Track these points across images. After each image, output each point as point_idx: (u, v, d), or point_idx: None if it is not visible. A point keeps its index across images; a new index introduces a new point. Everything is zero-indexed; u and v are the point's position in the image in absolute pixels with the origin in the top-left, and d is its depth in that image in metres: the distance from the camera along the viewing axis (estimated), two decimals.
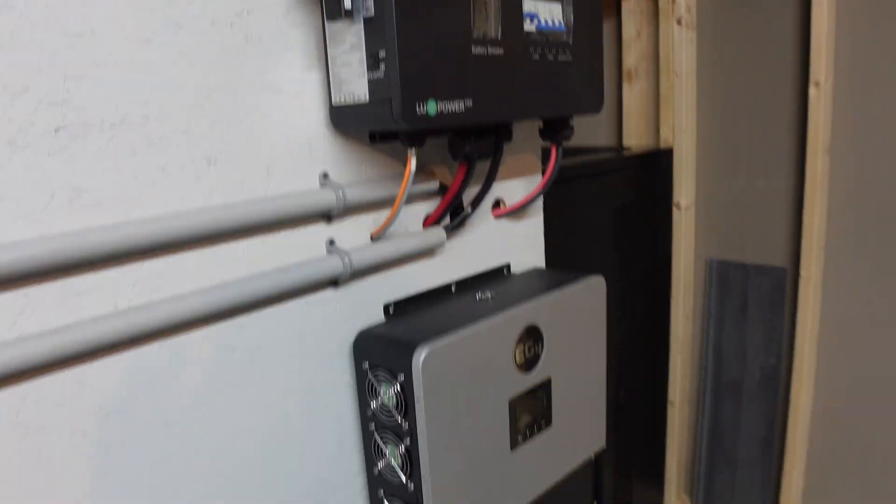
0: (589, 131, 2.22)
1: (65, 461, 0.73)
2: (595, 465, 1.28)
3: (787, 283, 1.92)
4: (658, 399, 2.12)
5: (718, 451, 2.18)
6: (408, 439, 0.92)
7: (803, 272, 1.84)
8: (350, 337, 0.96)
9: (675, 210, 1.99)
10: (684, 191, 1.98)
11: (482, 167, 1.04)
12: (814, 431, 2.01)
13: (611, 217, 1.65)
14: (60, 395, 0.71)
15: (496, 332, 0.98)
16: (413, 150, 0.86)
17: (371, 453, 0.99)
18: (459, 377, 0.93)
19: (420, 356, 0.87)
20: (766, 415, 2.06)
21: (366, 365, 0.94)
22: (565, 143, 1.11)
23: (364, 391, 0.96)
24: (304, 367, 0.92)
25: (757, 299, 1.97)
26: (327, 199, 0.86)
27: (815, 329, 1.90)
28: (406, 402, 0.90)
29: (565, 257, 1.38)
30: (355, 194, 0.89)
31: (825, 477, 2.02)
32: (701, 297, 2.10)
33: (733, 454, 2.15)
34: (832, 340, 1.89)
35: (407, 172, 0.86)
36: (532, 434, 1.08)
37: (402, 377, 0.89)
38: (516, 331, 1.01)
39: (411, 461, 0.94)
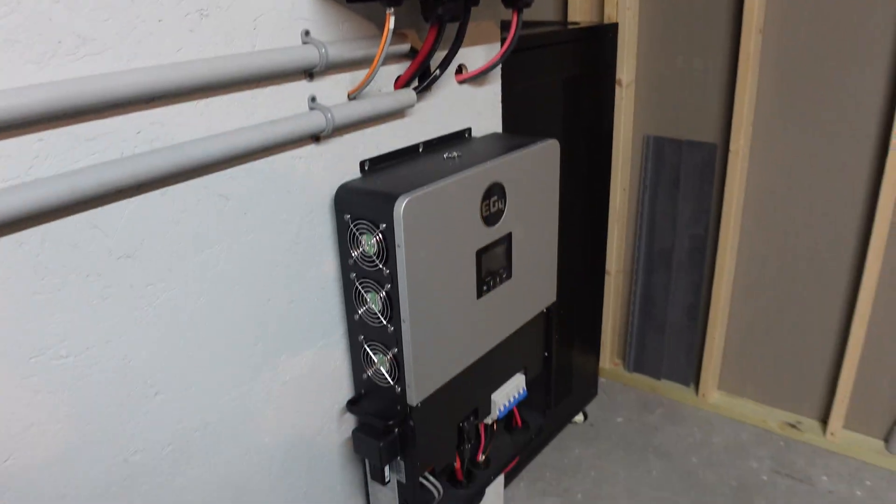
0: (535, 7, 2.25)
1: (81, 301, 0.78)
2: (546, 318, 1.40)
3: (716, 157, 2.05)
4: (596, 270, 2.26)
5: (649, 317, 2.36)
6: (388, 285, 1.01)
7: (732, 146, 1.97)
8: (330, 191, 1.02)
9: (617, 87, 2.08)
10: (626, 68, 2.06)
11: (448, 35, 1.08)
12: (735, 296, 2.19)
13: (559, 90, 1.73)
14: (76, 236, 0.76)
15: (465, 187, 1.06)
16: (392, 10, 0.90)
17: (352, 301, 1.08)
18: (434, 227, 1.01)
19: (401, 205, 0.94)
20: (693, 283, 2.23)
21: (347, 217, 1.01)
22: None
23: (345, 242, 1.03)
24: (289, 220, 0.98)
25: (689, 173, 2.10)
26: (311, 55, 0.90)
27: (741, 200, 2.04)
28: (387, 249, 0.98)
29: (516, 126, 1.45)
30: (336, 52, 0.93)
31: (743, 338, 2.23)
32: (637, 171, 2.22)
33: (662, 320, 2.33)
34: (755, 211, 2.05)
35: (385, 30, 0.91)
36: (495, 284, 1.18)
37: (383, 226, 0.97)
38: (483, 186, 1.09)
39: (391, 305, 1.02)
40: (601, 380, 2.47)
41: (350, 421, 1.18)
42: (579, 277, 2.11)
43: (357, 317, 1.08)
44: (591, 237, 2.16)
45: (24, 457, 0.78)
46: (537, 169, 1.22)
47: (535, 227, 1.25)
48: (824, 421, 2.13)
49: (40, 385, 0.77)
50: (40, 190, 0.70)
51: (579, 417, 2.27)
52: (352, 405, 1.15)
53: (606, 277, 2.35)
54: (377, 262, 1.00)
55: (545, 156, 1.24)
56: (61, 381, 0.79)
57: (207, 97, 0.84)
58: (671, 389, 2.39)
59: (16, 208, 0.68)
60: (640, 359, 2.44)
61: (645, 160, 2.18)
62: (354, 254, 1.03)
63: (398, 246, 0.96)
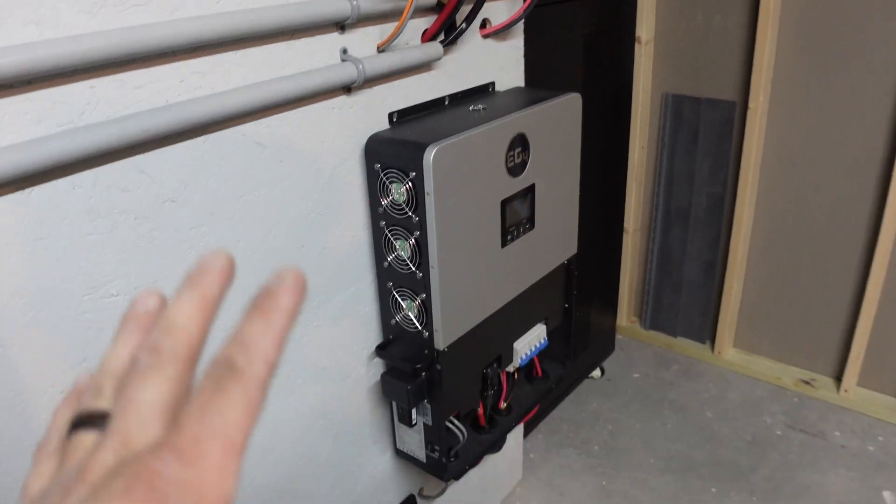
0: None
1: (129, 243, 0.83)
2: (567, 270, 1.44)
3: (735, 115, 2.06)
4: (614, 228, 2.29)
5: (666, 275, 2.39)
6: (417, 232, 1.04)
7: (751, 104, 1.97)
8: (361, 141, 1.06)
9: (636, 44, 2.09)
10: (645, 25, 2.06)
11: None
12: (751, 255, 2.21)
13: (579, 46, 1.74)
14: (124, 180, 0.80)
15: (491, 138, 1.09)
16: None
17: (381, 248, 1.11)
18: (461, 176, 1.04)
19: (430, 153, 0.97)
20: (710, 241, 2.25)
21: (377, 166, 1.05)
22: None
23: (375, 190, 1.07)
24: (323, 167, 1.02)
25: (707, 131, 2.11)
26: (343, 6, 0.93)
27: (759, 158, 2.06)
28: (416, 197, 1.01)
29: (537, 82, 1.47)
30: (367, 4, 0.96)
31: (759, 296, 2.25)
32: (656, 129, 2.23)
33: (679, 278, 2.36)
34: (773, 169, 2.06)
35: None
36: (518, 234, 1.22)
37: (413, 174, 1.00)
38: (507, 137, 1.12)
39: (420, 252, 1.06)
40: (618, 337, 2.51)
41: (378, 365, 1.23)
42: (597, 235, 2.14)
43: (386, 264, 1.12)
44: (609, 195, 2.18)
45: None
46: (560, 122, 1.25)
47: (557, 179, 1.28)
48: (838, 378, 2.16)
49: (92, 321, 0.82)
50: (93, 134, 0.73)
51: (596, 373, 2.32)
52: (380, 350, 1.19)
53: (624, 235, 2.37)
54: (406, 209, 1.03)
55: (568, 109, 1.26)
56: (112, 319, 0.83)
57: (245, 48, 0.87)
58: (687, 346, 2.42)
59: (70, 152, 0.72)
60: (657, 316, 2.48)
61: (663, 118, 2.19)
62: (384, 202, 1.06)
63: (427, 194, 0.99)
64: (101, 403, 0.28)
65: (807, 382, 2.21)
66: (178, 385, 0.26)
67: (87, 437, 0.27)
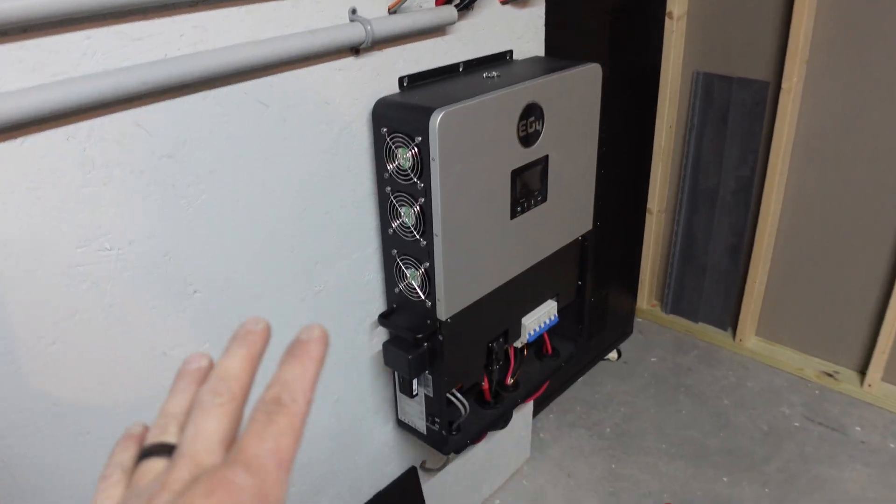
0: None
1: (125, 197, 0.82)
2: (581, 246, 1.41)
3: (768, 96, 1.99)
4: (637, 208, 2.25)
5: (690, 258, 2.34)
6: (422, 199, 1.03)
7: (785, 84, 1.91)
8: (368, 104, 1.04)
9: (667, 19, 2.03)
10: None
11: None
12: (778, 242, 2.16)
13: (606, 18, 1.70)
14: (120, 133, 0.79)
15: (503, 105, 1.06)
16: None
17: (386, 215, 1.10)
18: (469, 143, 1.02)
19: (437, 118, 0.95)
20: (737, 226, 2.19)
21: (384, 130, 1.03)
22: None
23: (381, 155, 1.05)
24: (328, 130, 1.00)
25: (738, 112, 2.05)
26: None
27: (790, 141, 1.99)
28: (422, 163, 0.99)
29: (559, 53, 1.43)
30: None
31: (784, 284, 2.20)
32: (685, 108, 2.17)
33: (703, 263, 2.31)
34: (805, 153, 2.00)
35: None
36: (529, 206, 1.19)
37: (419, 139, 0.98)
38: (520, 106, 1.09)
39: (424, 220, 1.04)
40: (637, 320, 2.47)
41: (382, 334, 1.22)
42: (620, 215, 2.10)
43: (391, 231, 1.10)
44: (634, 174, 2.14)
45: (69, 342, 0.82)
46: (578, 92, 1.21)
47: (572, 151, 1.25)
48: (862, 372, 2.11)
49: (86, 274, 0.81)
50: (87, 85, 0.72)
51: (613, 355, 2.29)
52: (383, 318, 1.18)
53: (648, 216, 2.33)
54: (412, 175, 1.01)
55: (586, 80, 1.23)
56: (105, 273, 0.83)
57: (250, 4, 0.85)
58: (708, 333, 2.38)
59: (64, 102, 0.71)
60: (678, 301, 2.43)
61: (693, 97, 2.13)
62: (390, 167, 1.04)
63: (433, 159, 0.97)
64: (168, 438, 0.34)
65: (829, 375, 2.16)
66: (233, 419, 0.32)
67: (157, 463, 0.33)
